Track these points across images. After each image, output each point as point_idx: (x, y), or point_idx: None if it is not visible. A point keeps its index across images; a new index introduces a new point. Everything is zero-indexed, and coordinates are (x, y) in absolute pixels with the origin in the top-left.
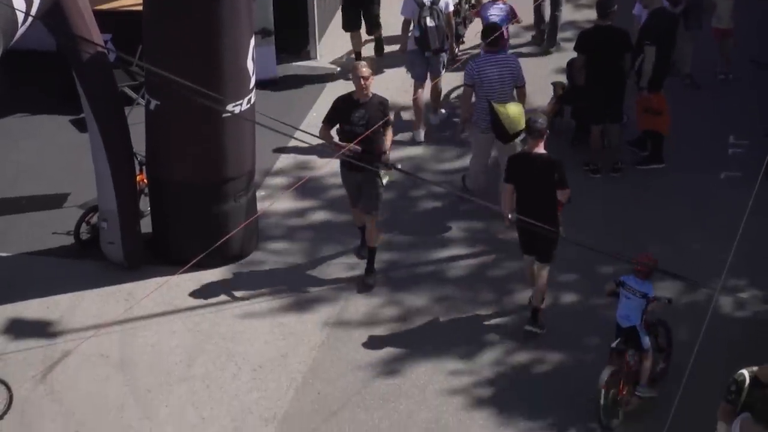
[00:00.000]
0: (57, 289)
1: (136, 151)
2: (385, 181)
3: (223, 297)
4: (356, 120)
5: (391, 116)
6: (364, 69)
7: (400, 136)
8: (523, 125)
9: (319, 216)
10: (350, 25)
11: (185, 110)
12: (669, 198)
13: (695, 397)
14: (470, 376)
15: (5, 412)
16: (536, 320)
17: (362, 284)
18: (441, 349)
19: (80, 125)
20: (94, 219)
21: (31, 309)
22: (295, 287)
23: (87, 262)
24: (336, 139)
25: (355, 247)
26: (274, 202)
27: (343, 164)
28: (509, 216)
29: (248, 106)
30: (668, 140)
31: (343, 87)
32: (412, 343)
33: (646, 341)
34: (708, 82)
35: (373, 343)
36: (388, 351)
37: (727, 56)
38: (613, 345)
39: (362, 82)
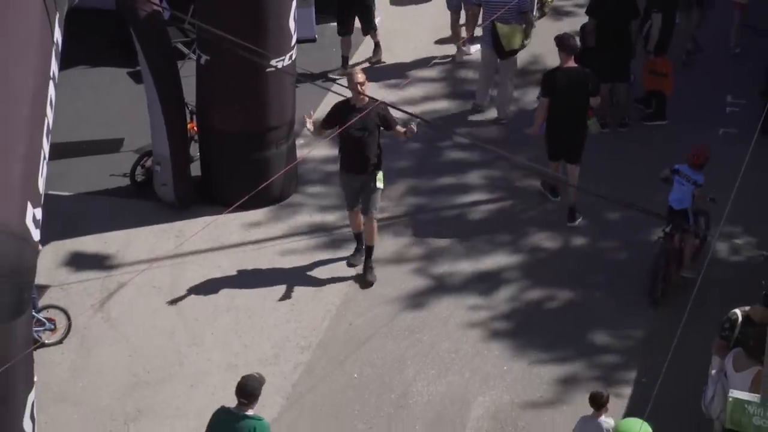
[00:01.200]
0: (114, 226)
1: (187, 101)
2: (380, 184)
3: (264, 236)
4: (353, 124)
5: (401, 126)
6: (359, 75)
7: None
8: (518, 45)
9: None
10: (342, 30)
11: (233, 65)
12: (671, 151)
13: (693, 333)
14: (488, 310)
15: (64, 337)
16: (573, 216)
17: (363, 282)
18: (462, 285)
19: (136, 77)
20: (149, 163)
21: (90, 244)
22: (330, 227)
23: (141, 201)
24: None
25: (350, 255)
26: (312, 149)
27: (342, 168)
28: (538, 130)
29: (290, 61)
30: (671, 99)
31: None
32: (435, 280)
33: (692, 224)
34: (709, 48)
35: (400, 279)
36: (413, 287)
37: (742, 28)
38: (666, 229)
39: (358, 88)
